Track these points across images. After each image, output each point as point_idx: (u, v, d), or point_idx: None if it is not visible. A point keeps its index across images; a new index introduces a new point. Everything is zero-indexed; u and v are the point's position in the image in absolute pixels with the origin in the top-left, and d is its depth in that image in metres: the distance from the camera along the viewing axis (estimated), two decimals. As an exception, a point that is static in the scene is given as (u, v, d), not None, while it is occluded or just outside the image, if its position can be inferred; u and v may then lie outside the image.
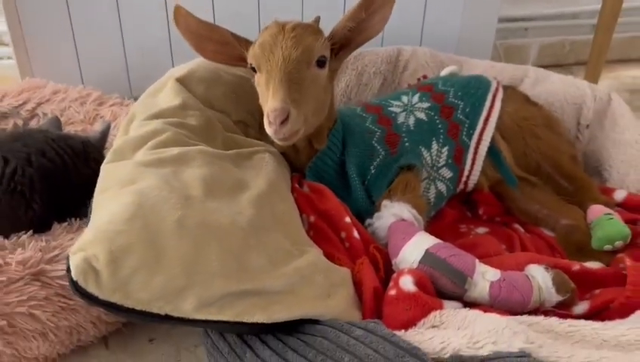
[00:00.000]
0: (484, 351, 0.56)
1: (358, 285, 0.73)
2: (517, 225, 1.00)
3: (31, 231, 0.81)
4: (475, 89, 1.02)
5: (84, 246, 0.60)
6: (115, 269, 0.58)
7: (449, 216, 0.99)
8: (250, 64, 0.82)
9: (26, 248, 0.76)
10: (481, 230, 0.98)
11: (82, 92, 1.21)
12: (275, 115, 0.73)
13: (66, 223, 0.85)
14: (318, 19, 0.86)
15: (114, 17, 1.34)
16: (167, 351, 0.84)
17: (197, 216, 0.65)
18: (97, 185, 0.72)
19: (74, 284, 0.58)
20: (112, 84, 1.31)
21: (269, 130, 0.76)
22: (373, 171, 0.89)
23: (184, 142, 0.77)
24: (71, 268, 0.59)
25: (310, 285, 0.67)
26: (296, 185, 0.86)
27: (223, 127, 0.88)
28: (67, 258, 0.61)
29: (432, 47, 1.30)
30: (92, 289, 0.58)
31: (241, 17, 1.36)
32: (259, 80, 0.81)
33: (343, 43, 0.85)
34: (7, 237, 0.80)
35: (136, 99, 0.94)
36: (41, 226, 0.84)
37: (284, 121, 0.74)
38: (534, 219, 0.99)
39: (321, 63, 0.81)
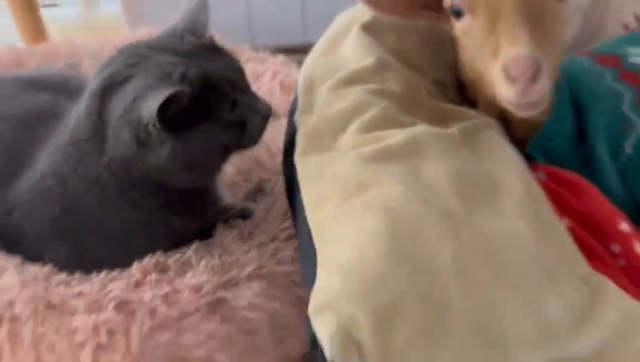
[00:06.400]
0: None
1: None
2: None
3: (196, 243, 0.63)
4: None
5: (333, 303, 0.42)
6: (385, 341, 0.40)
7: None
8: (452, 6, 0.60)
9: (197, 269, 0.59)
10: None
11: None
12: (522, 67, 0.50)
13: (233, 228, 0.66)
14: None
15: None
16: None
17: (473, 246, 0.45)
18: (304, 190, 0.53)
19: None
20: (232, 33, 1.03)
21: (508, 92, 0.53)
22: (629, 152, 0.64)
23: (398, 121, 0.58)
24: (321, 338, 0.41)
25: (625, 341, 0.46)
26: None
27: (424, 90, 0.67)
28: (306, 319, 0.43)
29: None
30: None
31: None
32: (470, 26, 0.59)
33: None
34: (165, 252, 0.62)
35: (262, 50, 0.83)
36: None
37: (534, 76, 0.51)
38: None
39: None
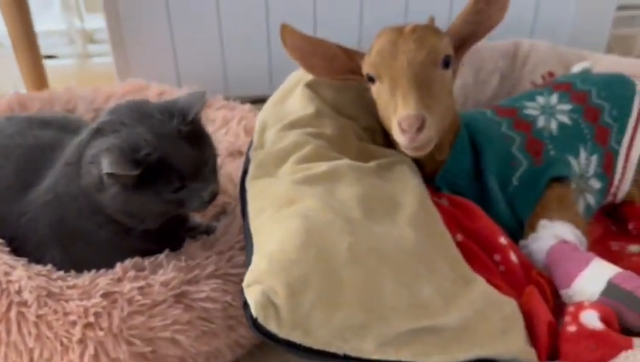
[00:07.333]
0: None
1: (527, 317, 0.66)
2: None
3: (167, 250, 0.78)
4: (620, 89, 0.94)
5: (260, 278, 0.56)
6: (294, 305, 0.55)
7: (595, 232, 0.89)
8: (367, 74, 0.78)
9: (167, 268, 0.75)
10: (635, 248, 0.89)
11: (188, 94, 1.33)
12: (409, 123, 0.69)
13: (198, 240, 0.82)
14: (433, 20, 0.84)
15: (212, 17, 1.39)
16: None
17: (365, 242, 0.61)
18: (250, 205, 0.71)
19: (253, 322, 0.56)
20: (208, 85, 1.16)
21: (402, 139, 0.71)
22: (515, 183, 0.83)
23: (326, 155, 0.76)
24: (249, 302, 0.55)
25: (484, 320, 0.62)
26: (435, 199, 0.79)
27: (353, 134, 0.85)
28: (241, 291, 0.57)
29: (543, 38, 1.22)
30: (272, 326, 0.55)
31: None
32: (379, 89, 0.77)
33: (462, 40, 0.80)
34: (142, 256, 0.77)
35: (233, 100, 1.01)
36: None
37: (419, 129, 0.69)
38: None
39: (446, 63, 0.76)
